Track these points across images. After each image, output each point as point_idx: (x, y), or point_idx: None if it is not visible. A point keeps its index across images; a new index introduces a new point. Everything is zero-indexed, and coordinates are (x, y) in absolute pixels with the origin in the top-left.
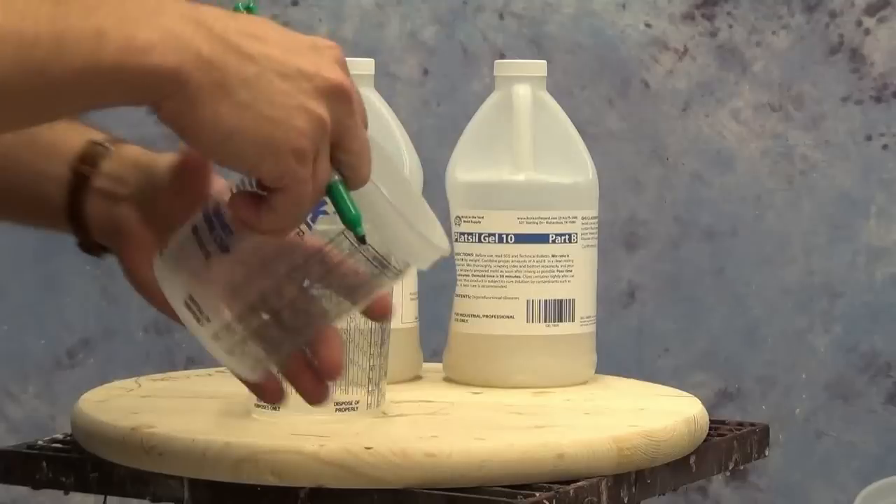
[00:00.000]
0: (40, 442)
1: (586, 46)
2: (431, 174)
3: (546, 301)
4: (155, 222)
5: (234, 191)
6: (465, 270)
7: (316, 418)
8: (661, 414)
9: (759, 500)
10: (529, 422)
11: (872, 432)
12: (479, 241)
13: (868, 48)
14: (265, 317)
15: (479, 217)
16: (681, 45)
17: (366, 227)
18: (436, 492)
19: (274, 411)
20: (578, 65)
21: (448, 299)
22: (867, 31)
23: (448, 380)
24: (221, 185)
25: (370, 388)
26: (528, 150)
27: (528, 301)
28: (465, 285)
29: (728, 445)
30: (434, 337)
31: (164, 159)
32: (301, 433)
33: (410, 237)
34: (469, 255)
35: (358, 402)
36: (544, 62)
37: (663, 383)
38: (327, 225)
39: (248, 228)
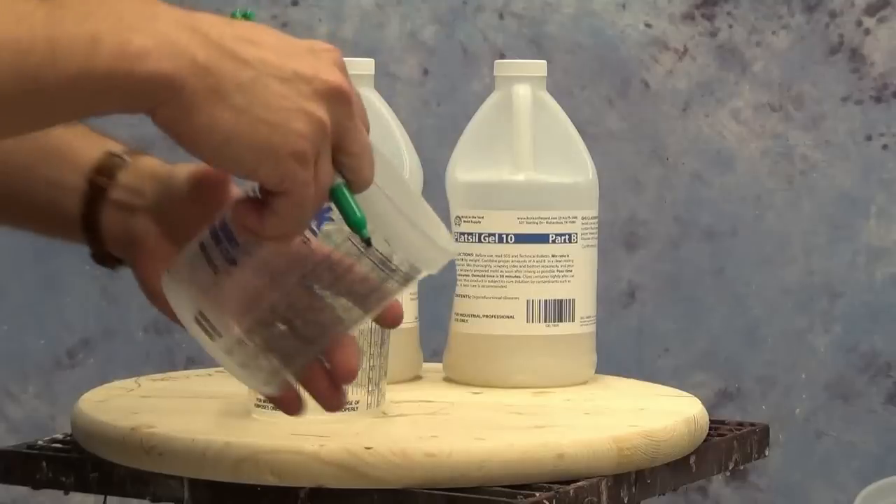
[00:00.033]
0: (40, 442)
1: (586, 46)
2: (431, 174)
3: (546, 301)
4: (172, 234)
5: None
6: (465, 270)
7: (316, 418)
8: (661, 414)
9: (759, 500)
10: (529, 422)
11: (872, 432)
12: (479, 241)
13: (868, 48)
14: (277, 328)
15: (479, 217)
16: (681, 45)
17: (371, 231)
18: (436, 492)
19: (274, 411)
20: (578, 65)
21: (448, 299)
22: (867, 31)
23: (448, 380)
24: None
25: (370, 388)
26: (528, 150)
27: (528, 301)
28: (465, 285)
29: (728, 445)
30: (434, 337)
31: (182, 171)
32: (301, 433)
33: (417, 240)
34: (469, 255)
35: (358, 402)
36: (544, 62)
37: (663, 383)
38: (334, 232)
39: (253, 235)
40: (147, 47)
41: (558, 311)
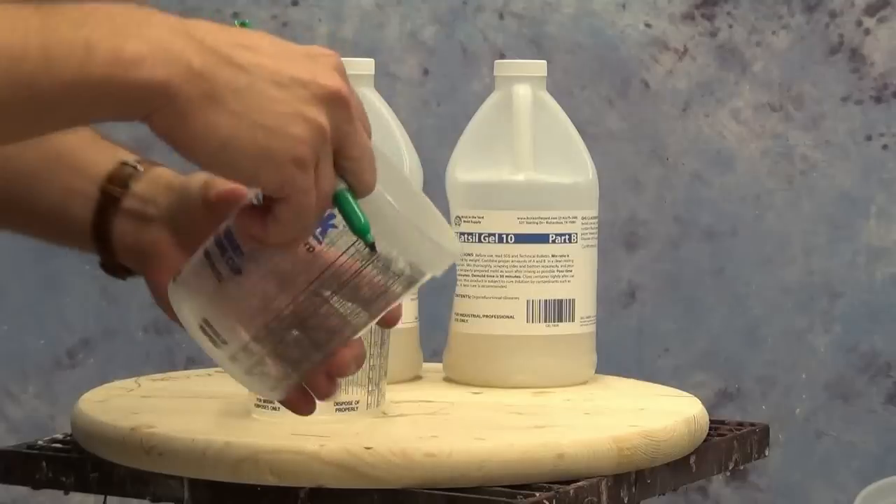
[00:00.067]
0: (40, 442)
1: (586, 46)
2: (431, 174)
3: (546, 301)
4: (186, 244)
5: (246, 205)
6: (465, 270)
7: (316, 418)
8: (661, 414)
9: (759, 500)
10: (529, 422)
11: (872, 432)
12: (479, 241)
13: (868, 48)
14: (284, 335)
15: (479, 217)
16: (681, 45)
17: (375, 236)
18: (436, 492)
19: (274, 411)
20: (578, 65)
21: (448, 299)
22: (867, 31)
23: (448, 380)
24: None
25: (370, 388)
26: (528, 150)
27: (528, 301)
28: (465, 285)
29: (728, 445)
30: (434, 337)
31: (197, 181)
32: (301, 433)
33: (420, 243)
34: (469, 255)
35: (358, 402)
36: (544, 62)
37: (663, 383)
38: (338, 238)
39: (256, 242)
40: (141, 54)
41: (558, 311)
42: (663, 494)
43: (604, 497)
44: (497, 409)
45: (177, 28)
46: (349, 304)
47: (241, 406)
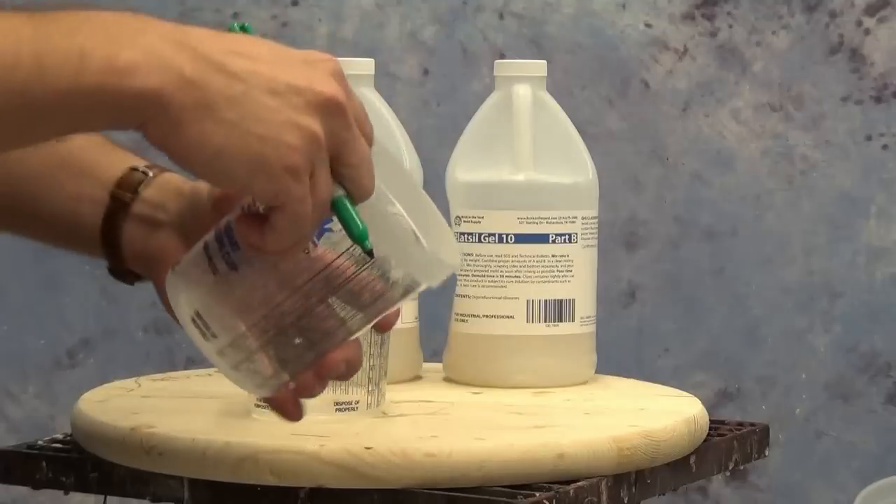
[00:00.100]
0: (40, 442)
1: (586, 46)
2: (431, 174)
3: (546, 301)
4: None
5: (244, 208)
6: (465, 270)
7: (316, 418)
8: (661, 414)
9: (759, 500)
10: (529, 422)
11: (872, 432)
12: (479, 241)
13: (868, 48)
14: (272, 334)
15: (479, 217)
16: (681, 45)
17: (373, 242)
18: (436, 492)
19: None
20: (578, 65)
21: (448, 299)
22: (867, 31)
23: (448, 380)
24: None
25: (370, 388)
26: (528, 150)
27: (528, 301)
28: (465, 285)
29: (728, 445)
30: (434, 337)
31: (206, 186)
32: (301, 433)
33: (417, 254)
34: (469, 255)
35: (358, 402)
36: (544, 62)
37: (663, 383)
38: (334, 241)
39: (255, 250)
40: (134, 62)
41: (558, 311)
42: (663, 494)
43: (604, 497)
44: (497, 409)
45: (171, 36)
46: (344, 306)
47: (241, 406)
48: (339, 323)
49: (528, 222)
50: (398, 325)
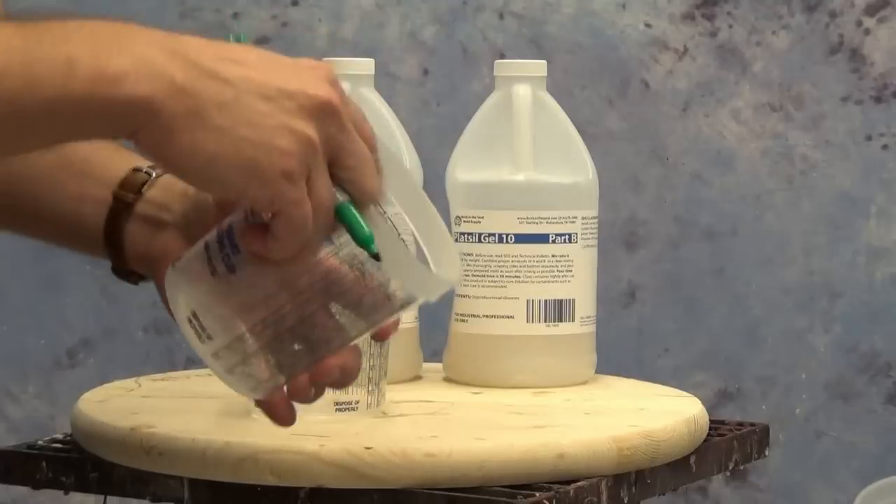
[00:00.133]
0: (40, 442)
1: (586, 46)
2: (431, 174)
3: (546, 301)
4: None
5: (246, 216)
6: (465, 270)
7: (316, 418)
8: (661, 414)
9: (759, 500)
10: (529, 422)
11: (872, 432)
12: (479, 241)
13: (868, 48)
14: (268, 337)
15: (479, 217)
16: (681, 45)
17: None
18: (436, 492)
19: None
20: (578, 65)
21: (448, 299)
22: (867, 31)
23: (448, 380)
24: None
25: (370, 388)
26: (528, 150)
27: (528, 301)
28: (465, 285)
29: (728, 445)
30: (434, 337)
31: None
32: (301, 433)
33: (415, 270)
34: (469, 255)
35: (358, 402)
36: (544, 62)
37: (663, 383)
38: (336, 248)
39: (261, 260)
40: (124, 70)
41: (558, 311)
42: (663, 494)
43: (604, 497)
44: (497, 409)
45: (161, 44)
46: (342, 313)
47: (241, 406)
48: (337, 330)
49: (528, 222)
50: None
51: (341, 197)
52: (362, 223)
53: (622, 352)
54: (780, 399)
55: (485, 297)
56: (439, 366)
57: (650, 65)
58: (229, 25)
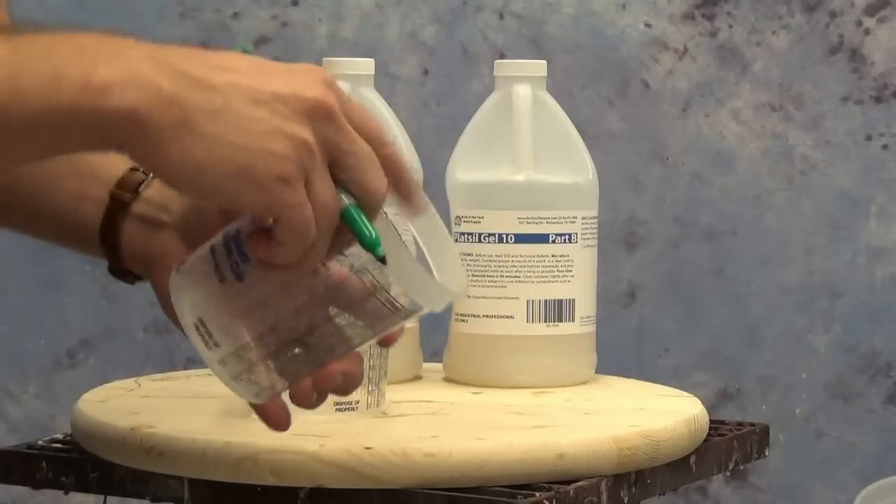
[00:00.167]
0: (40, 442)
1: (586, 46)
2: (431, 174)
3: (546, 301)
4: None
5: (254, 221)
6: (466, 270)
7: (316, 418)
8: (661, 414)
9: (759, 500)
10: (529, 422)
11: (872, 432)
12: (479, 241)
13: (868, 48)
14: (275, 346)
15: (479, 217)
16: (681, 45)
17: (384, 273)
18: (436, 492)
19: None
20: (578, 65)
21: None
22: (867, 31)
23: (448, 380)
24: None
25: (370, 388)
26: (528, 150)
27: (528, 301)
28: None
29: (728, 445)
30: (434, 337)
31: None
32: (301, 433)
33: (426, 282)
34: (469, 255)
35: (358, 402)
36: (544, 62)
37: (663, 383)
38: (348, 259)
39: (267, 266)
40: (111, 81)
41: (558, 311)
42: (663, 494)
43: (604, 497)
44: (497, 409)
45: (148, 54)
46: (347, 322)
47: (241, 406)
48: (343, 338)
49: (528, 222)
50: None
51: (347, 200)
52: (367, 227)
53: (622, 352)
54: (780, 399)
55: (485, 297)
56: (439, 366)
57: (650, 65)
58: (229, 25)
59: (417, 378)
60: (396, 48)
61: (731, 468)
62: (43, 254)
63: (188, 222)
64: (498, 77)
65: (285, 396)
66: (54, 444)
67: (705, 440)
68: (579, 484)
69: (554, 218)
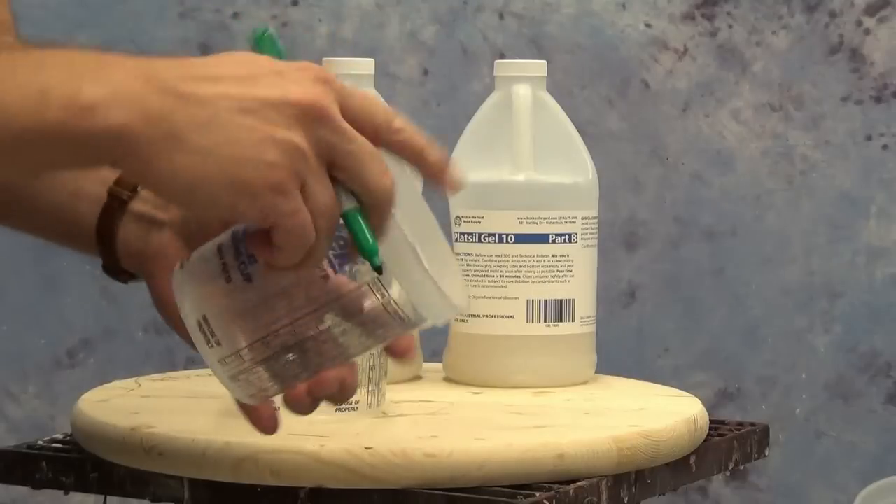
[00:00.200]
0: (40, 442)
1: (586, 46)
2: None
3: (546, 301)
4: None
5: None
6: (465, 270)
7: (316, 418)
8: (661, 414)
9: (759, 500)
10: (529, 422)
11: (872, 432)
12: (479, 241)
13: (868, 48)
14: (279, 351)
15: (479, 217)
16: (681, 45)
17: (389, 272)
18: (436, 492)
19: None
20: (578, 65)
21: None
22: (867, 31)
23: (448, 380)
24: None
25: (370, 388)
26: (528, 150)
27: (528, 301)
28: (465, 285)
29: (728, 445)
30: (434, 337)
31: None
32: (301, 433)
33: (433, 295)
34: (469, 255)
35: (358, 402)
36: (544, 62)
37: (663, 383)
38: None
39: (270, 267)
40: (97, 99)
41: (558, 311)
42: (663, 494)
43: (604, 497)
44: (497, 409)
45: (135, 70)
46: (349, 333)
47: None
48: (343, 345)
49: (528, 222)
50: None
51: (349, 202)
52: (367, 234)
53: (622, 352)
54: (780, 399)
55: (485, 297)
56: (439, 366)
57: (650, 65)
58: (229, 25)
59: (417, 378)
60: (396, 48)
61: (731, 468)
62: (43, 254)
63: (186, 221)
64: (498, 77)
65: (279, 400)
66: (54, 444)
67: (705, 440)
68: (579, 484)
69: (554, 218)
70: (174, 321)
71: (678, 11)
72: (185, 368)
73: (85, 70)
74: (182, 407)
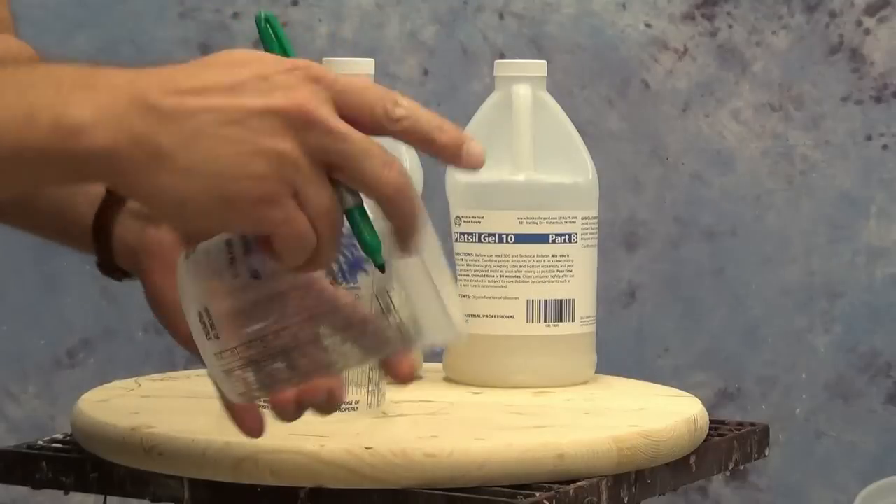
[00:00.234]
0: (40, 442)
1: (586, 46)
2: (431, 174)
3: (546, 301)
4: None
5: None
6: (465, 270)
7: (316, 418)
8: (661, 414)
9: (759, 500)
10: (529, 422)
11: (872, 432)
12: (479, 241)
13: (868, 48)
14: (271, 353)
15: (479, 217)
16: (681, 45)
17: (399, 297)
18: (436, 492)
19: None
20: (578, 65)
21: None
22: (867, 31)
23: (448, 380)
24: None
25: (370, 388)
26: (528, 150)
27: (528, 301)
28: (465, 285)
29: (728, 445)
30: None
31: None
32: (301, 433)
33: (439, 317)
34: (469, 255)
35: (358, 402)
36: (544, 62)
37: (663, 383)
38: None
39: (277, 265)
40: (83, 121)
41: (558, 311)
42: (663, 494)
43: (604, 497)
44: (497, 409)
45: (122, 88)
46: (347, 344)
47: None
48: (335, 358)
49: (528, 222)
50: None
51: (352, 200)
52: (368, 232)
53: (622, 352)
54: (780, 399)
55: (485, 297)
56: (439, 366)
57: (650, 65)
58: (229, 25)
59: (417, 378)
60: (396, 48)
61: (731, 468)
62: (43, 254)
63: None
64: (498, 77)
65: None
66: (54, 444)
67: (705, 440)
68: (579, 484)
69: (554, 218)
70: (167, 319)
71: (678, 11)
72: (185, 368)
73: (72, 90)
74: (182, 407)
